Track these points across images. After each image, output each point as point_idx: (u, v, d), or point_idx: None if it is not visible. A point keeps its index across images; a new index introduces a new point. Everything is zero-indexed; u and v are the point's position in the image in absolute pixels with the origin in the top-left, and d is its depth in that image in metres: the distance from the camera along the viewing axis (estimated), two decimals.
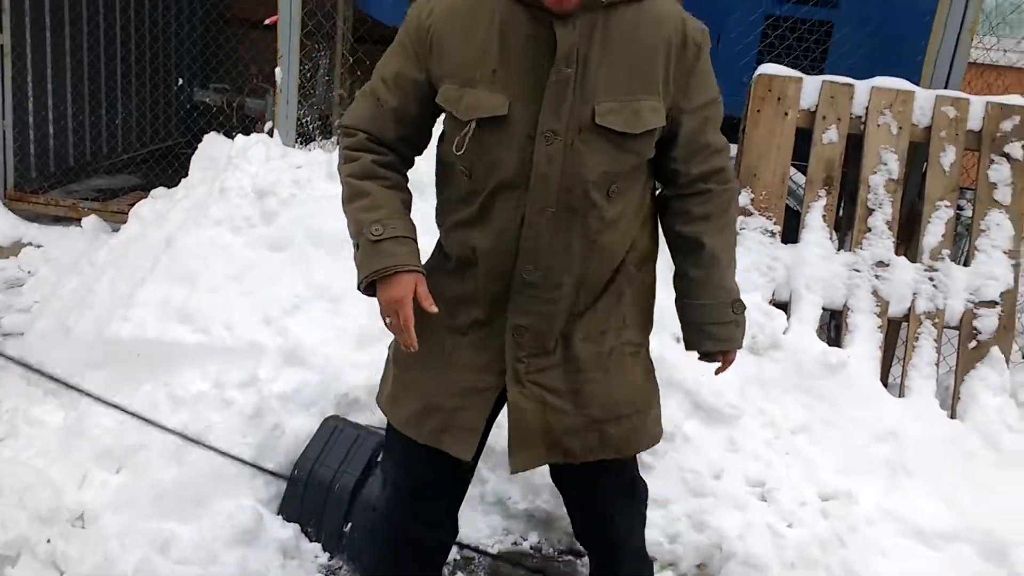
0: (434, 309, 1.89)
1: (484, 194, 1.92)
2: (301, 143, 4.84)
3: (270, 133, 4.64)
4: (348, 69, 4.93)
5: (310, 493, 3.00)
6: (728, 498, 3.17)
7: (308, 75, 5.03)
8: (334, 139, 5.30)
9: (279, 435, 3.14)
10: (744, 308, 2.11)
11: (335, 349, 3.45)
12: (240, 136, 4.18)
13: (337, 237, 3.75)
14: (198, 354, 3.39)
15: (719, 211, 2.05)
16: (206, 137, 4.53)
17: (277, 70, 4.37)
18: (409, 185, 2.08)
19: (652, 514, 3.04)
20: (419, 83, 1.92)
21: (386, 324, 1.94)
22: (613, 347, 2.05)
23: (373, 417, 3.34)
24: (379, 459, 2.92)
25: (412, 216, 2.01)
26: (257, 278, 3.66)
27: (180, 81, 7.05)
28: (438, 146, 2.05)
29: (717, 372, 2.17)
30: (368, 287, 1.94)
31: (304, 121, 4.87)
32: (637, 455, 2.26)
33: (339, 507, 2.96)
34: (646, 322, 2.15)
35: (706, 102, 1.98)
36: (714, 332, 2.08)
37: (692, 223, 2.04)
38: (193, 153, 4.61)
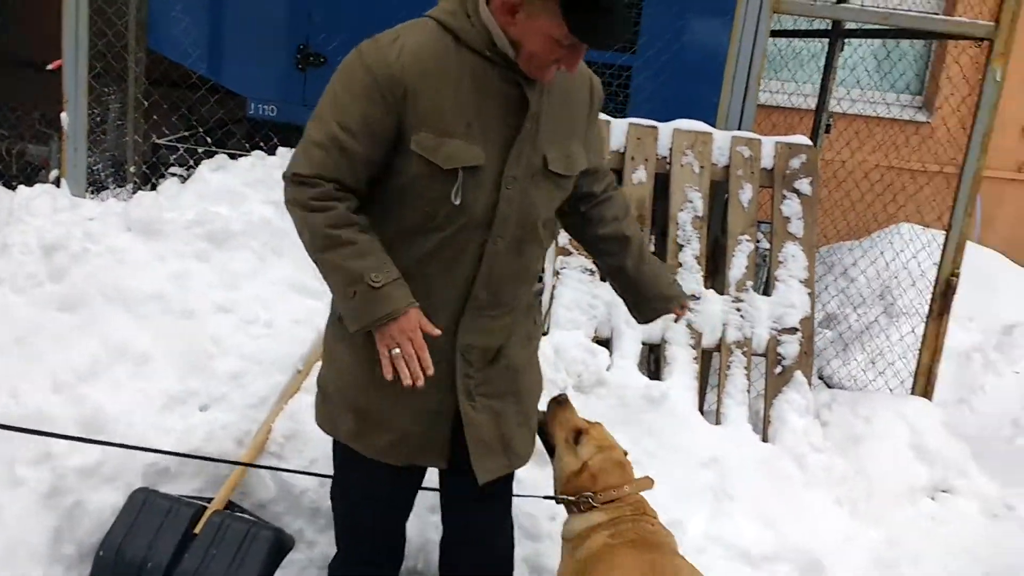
0: (439, 332, 2.08)
1: (449, 230, 2.10)
2: (92, 192, 4.49)
3: (56, 182, 4.27)
4: (143, 113, 4.64)
5: (120, 575, 2.73)
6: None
7: (98, 119, 4.70)
8: (129, 187, 4.96)
9: (80, 514, 2.86)
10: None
11: (140, 416, 3.19)
12: (22, 187, 3.81)
13: (139, 294, 3.50)
14: None
15: (624, 210, 2.51)
16: None
17: (63, 115, 4.04)
18: None
19: None
20: (387, 129, 2.03)
21: (391, 355, 2.05)
22: (532, 350, 2.42)
23: (186, 486, 3.10)
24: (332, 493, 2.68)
25: None
26: (45, 341, 3.33)
27: None
28: (387, 182, 2.11)
29: (677, 320, 2.66)
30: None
31: (95, 169, 4.53)
32: None
33: None
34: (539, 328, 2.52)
35: (600, 135, 2.49)
36: (675, 291, 2.55)
37: (611, 223, 2.46)
38: None
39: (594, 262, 2.70)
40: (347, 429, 2.28)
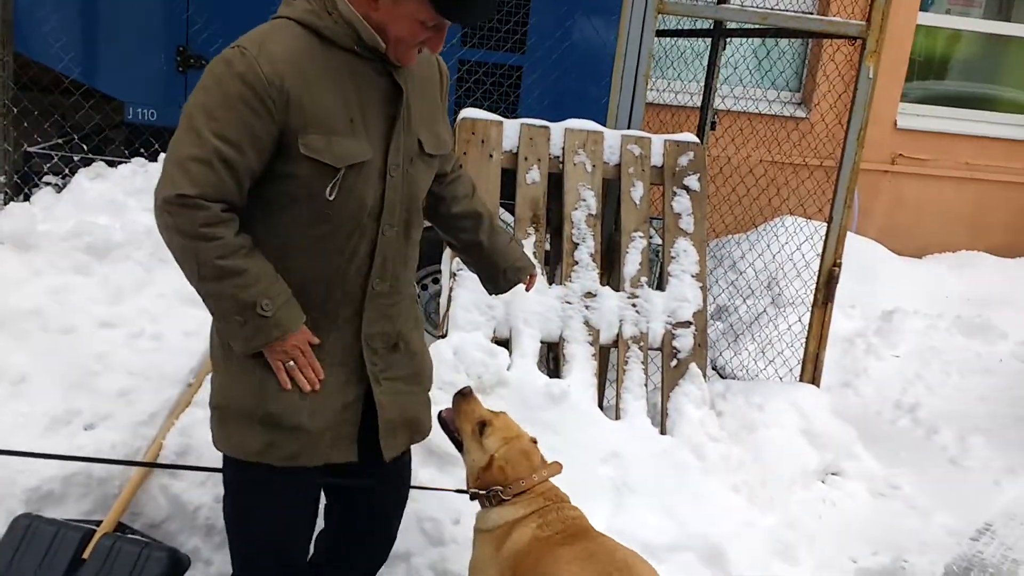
0: (317, 340, 2.18)
1: (344, 226, 2.13)
2: None
3: None
4: (12, 120, 4.40)
5: None
6: (468, 542, 3.14)
7: None
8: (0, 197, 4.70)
9: None
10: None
11: (21, 438, 3.03)
12: None
13: (14, 311, 3.32)
14: None
15: (472, 188, 2.65)
16: None
17: None
18: None
19: (394, 570, 2.95)
20: (270, 136, 2.00)
21: (286, 367, 2.15)
22: (422, 331, 2.49)
23: (74, 508, 2.96)
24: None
25: None
26: None
27: None
28: (269, 189, 2.08)
29: (528, 289, 2.80)
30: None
31: None
32: None
33: None
34: None
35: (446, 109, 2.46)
36: (526, 262, 2.72)
37: (463, 200, 2.60)
38: None
39: (447, 242, 2.75)
40: (255, 444, 2.22)
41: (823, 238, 4.47)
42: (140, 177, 3.90)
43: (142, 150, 4.46)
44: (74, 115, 4.57)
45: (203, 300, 2.11)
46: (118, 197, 3.75)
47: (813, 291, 4.49)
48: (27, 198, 4.30)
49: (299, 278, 2.14)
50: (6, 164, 4.30)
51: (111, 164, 4.09)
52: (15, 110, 4.31)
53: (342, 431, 2.29)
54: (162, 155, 4.16)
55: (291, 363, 2.14)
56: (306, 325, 2.16)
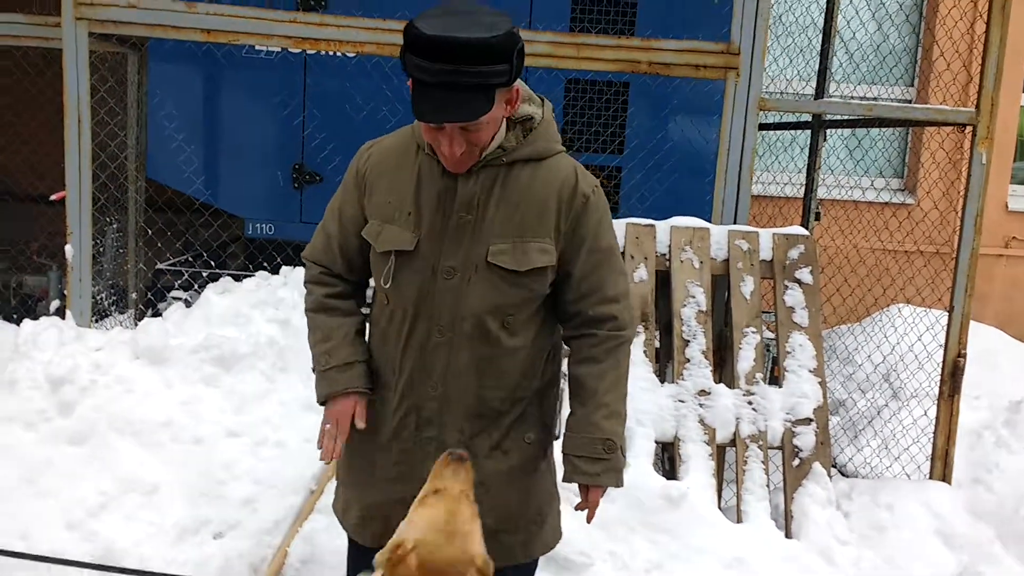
0: (362, 424, 2.17)
1: (396, 317, 2.17)
2: (96, 320, 4.49)
3: (59, 313, 4.28)
4: (146, 240, 4.69)
5: None
6: None
7: (100, 249, 4.74)
8: (132, 312, 4.97)
9: None
10: (616, 449, 2.19)
11: (151, 548, 3.12)
12: (27, 321, 3.81)
13: (148, 423, 3.46)
14: None
15: (604, 355, 2.20)
16: None
17: (68, 247, 4.07)
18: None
19: None
20: (356, 218, 2.20)
21: (323, 428, 2.21)
22: (513, 466, 2.23)
23: None
24: None
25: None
26: (55, 477, 3.28)
27: None
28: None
29: (577, 507, 2.24)
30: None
31: (99, 297, 4.54)
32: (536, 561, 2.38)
33: None
34: (549, 437, 2.34)
35: (595, 248, 2.17)
36: (580, 466, 2.18)
37: (580, 364, 2.22)
38: None
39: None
40: (340, 504, 2.37)
41: (944, 327, 4.32)
42: (264, 290, 4.07)
43: (265, 264, 4.67)
44: (202, 233, 4.83)
45: None
46: (243, 310, 3.93)
47: (937, 383, 4.31)
48: (157, 313, 4.53)
49: (374, 355, 2.25)
50: (140, 282, 4.56)
51: (236, 278, 4.30)
52: (149, 231, 4.59)
53: (392, 524, 2.08)
54: (283, 267, 4.36)
55: (327, 426, 2.21)
56: (374, 403, 2.21)
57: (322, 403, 2.24)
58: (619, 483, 2.20)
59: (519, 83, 2.09)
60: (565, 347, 2.35)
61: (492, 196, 2.11)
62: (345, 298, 2.29)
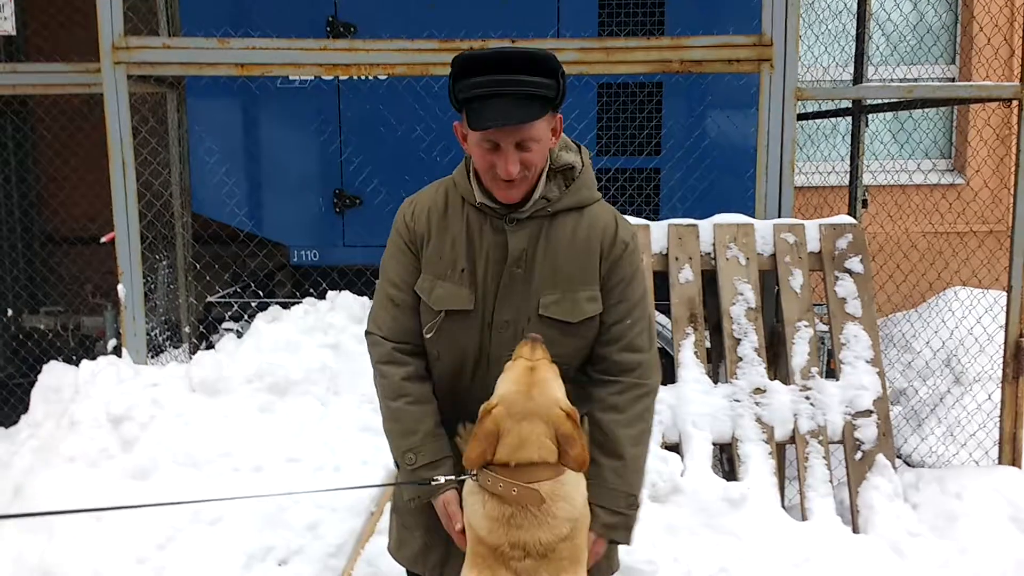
0: (458, 527, 2.10)
1: (447, 372, 2.20)
2: (151, 355, 4.58)
3: (116, 351, 4.36)
4: (195, 274, 4.77)
5: None
6: None
7: (151, 286, 4.83)
8: (186, 346, 5.06)
9: None
10: (636, 507, 2.20)
11: None
12: (85, 361, 3.90)
13: (208, 454, 3.52)
14: None
15: (628, 404, 2.18)
16: (46, 367, 4.19)
17: (120, 287, 4.16)
18: None
19: None
20: (418, 272, 2.20)
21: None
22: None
23: None
24: None
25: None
26: (122, 513, 3.33)
27: (9, 312, 6.61)
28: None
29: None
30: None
31: (152, 333, 4.63)
32: None
33: None
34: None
35: (627, 297, 2.19)
36: (600, 515, 2.15)
37: (605, 411, 2.19)
38: (30, 385, 4.25)
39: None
40: (394, 540, 2.38)
41: (1003, 308, 4.20)
42: (312, 316, 4.12)
43: (311, 290, 4.71)
44: (248, 263, 4.90)
45: None
46: (293, 337, 3.97)
47: (1000, 365, 4.20)
48: (210, 345, 4.60)
49: (441, 407, 2.23)
50: (191, 315, 4.64)
51: (285, 306, 4.35)
52: (197, 265, 4.67)
53: (452, 551, 2.21)
54: (329, 292, 4.41)
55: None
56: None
57: (412, 503, 2.22)
58: (629, 541, 2.22)
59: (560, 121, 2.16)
60: None
61: (539, 248, 2.15)
62: (423, 381, 2.22)
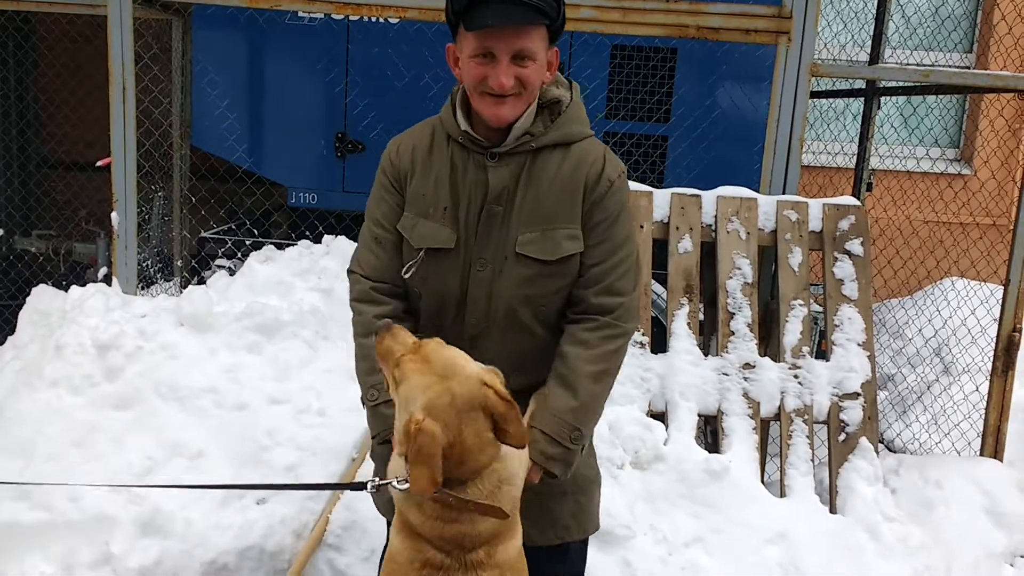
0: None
1: (430, 309, 2.16)
2: (141, 287, 4.54)
3: (107, 280, 4.33)
4: (190, 208, 4.72)
5: None
6: None
7: (145, 216, 4.78)
8: (177, 280, 5.02)
9: None
10: (580, 443, 2.10)
11: (197, 512, 3.16)
12: (75, 287, 3.86)
13: (192, 389, 3.50)
14: (40, 533, 3.03)
15: (599, 342, 2.11)
16: (34, 290, 4.15)
17: (113, 215, 4.11)
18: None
19: None
20: (402, 210, 2.16)
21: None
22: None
23: None
24: None
25: None
26: (103, 442, 3.33)
27: (0, 232, 6.55)
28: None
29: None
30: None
31: (144, 264, 4.59)
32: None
33: None
34: None
35: (610, 237, 2.12)
36: (539, 442, 2.06)
37: (572, 345, 2.12)
38: (18, 308, 4.22)
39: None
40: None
41: (999, 302, 4.19)
42: (306, 259, 4.08)
43: (307, 233, 4.68)
44: (245, 201, 4.85)
45: None
46: (286, 278, 3.94)
47: (990, 358, 4.19)
48: (202, 280, 4.57)
49: None
50: (184, 249, 4.59)
51: (280, 247, 4.31)
52: (193, 199, 4.62)
53: None
54: (326, 236, 4.37)
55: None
56: None
57: (376, 439, 2.16)
58: (565, 475, 2.10)
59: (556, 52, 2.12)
60: None
61: (520, 185, 2.10)
62: (398, 322, 2.10)
